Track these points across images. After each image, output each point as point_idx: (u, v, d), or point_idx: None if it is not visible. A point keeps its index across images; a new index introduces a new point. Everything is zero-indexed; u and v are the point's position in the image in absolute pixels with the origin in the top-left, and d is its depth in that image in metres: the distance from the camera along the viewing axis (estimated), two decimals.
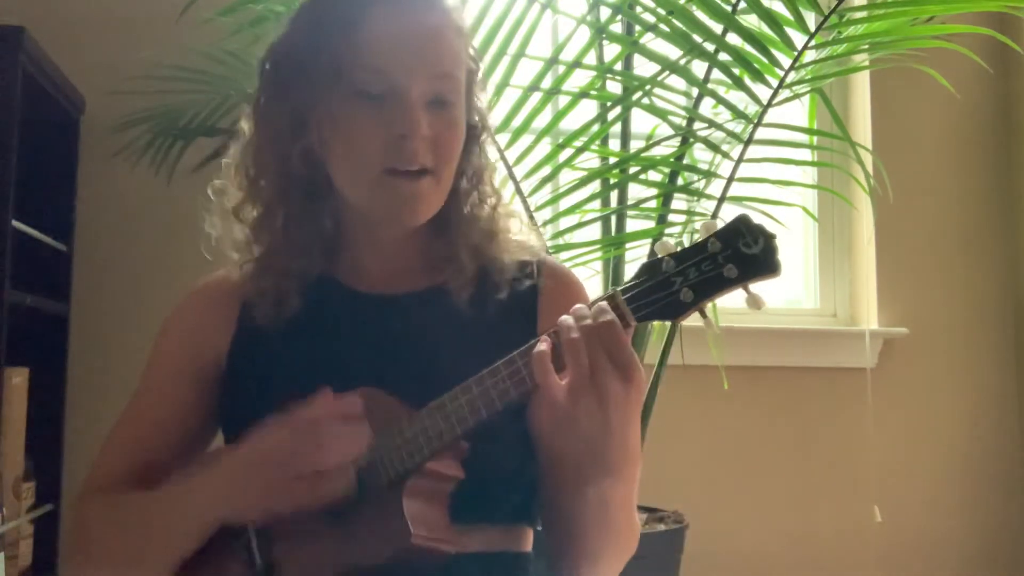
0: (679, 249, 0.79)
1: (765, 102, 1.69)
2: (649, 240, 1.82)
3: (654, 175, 1.88)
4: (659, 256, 0.80)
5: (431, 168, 0.94)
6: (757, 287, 0.78)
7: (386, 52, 0.92)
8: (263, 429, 0.86)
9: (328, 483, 0.83)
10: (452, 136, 0.97)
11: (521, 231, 1.07)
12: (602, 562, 0.91)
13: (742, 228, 0.77)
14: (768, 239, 0.77)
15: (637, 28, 1.80)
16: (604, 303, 0.80)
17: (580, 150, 1.81)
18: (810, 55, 1.68)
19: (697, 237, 0.79)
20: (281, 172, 0.98)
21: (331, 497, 0.83)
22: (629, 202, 1.85)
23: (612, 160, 1.85)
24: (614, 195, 1.85)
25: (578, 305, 0.81)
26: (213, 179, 1.05)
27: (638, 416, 0.80)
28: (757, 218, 0.79)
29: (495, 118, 1.76)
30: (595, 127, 1.81)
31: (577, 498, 0.85)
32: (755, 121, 1.71)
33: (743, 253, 0.77)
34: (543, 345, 0.80)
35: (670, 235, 1.83)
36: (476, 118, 1.03)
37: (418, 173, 0.94)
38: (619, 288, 0.81)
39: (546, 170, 1.81)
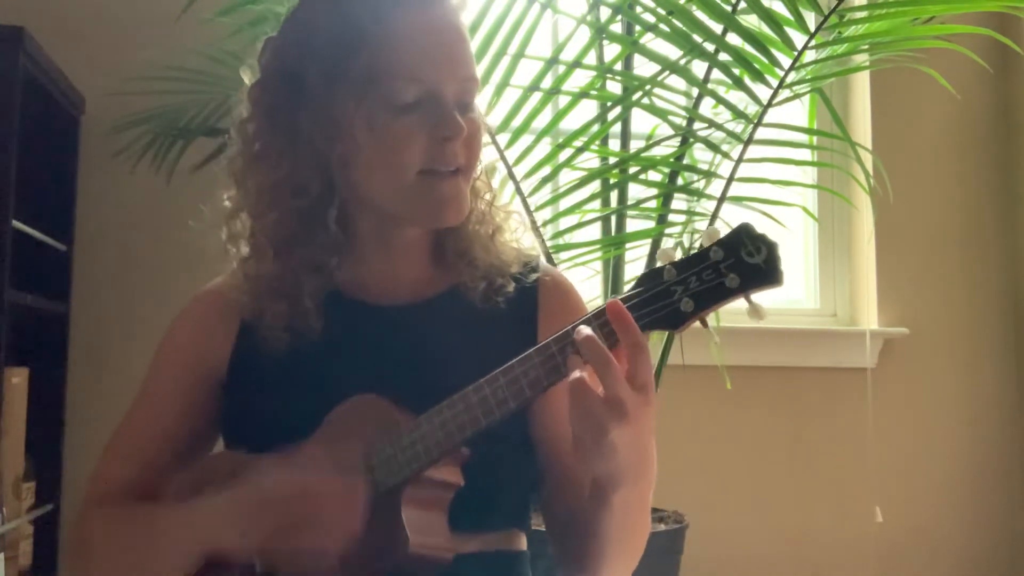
0: (680, 257, 0.78)
1: (765, 102, 1.69)
2: (649, 240, 1.82)
3: (654, 175, 1.88)
4: (660, 264, 0.78)
5: (463, 167, 0.95)
6: (759, 297, 0.76)
7: (422, 59, 0.93)
8: (266, 475, 0.86)
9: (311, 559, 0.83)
10: (479, 135, 0.98)
11: (517, 231, 1.07)
12: (620, 563, 0.92)
13: (744, 237, 0.75)
14: (771, 248, 0.75)
15: (637, 28, 1.80)
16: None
17: (580, 150, 1.81)
18: (810, 55, 1.68)
19: (699, 245, 0.78)
20: (296, 184, 0.96)
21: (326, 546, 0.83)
22: (629, 202, 1.85)
23: (612, 160, 1.85)
24: (614, 195, 1.85)
25: (586, 331, 0.78)
26: (219, 179, 1.04)
27: (653, 422, 0.80)
28: (757, 219, 0.78)
29: (495, 118, 1.77)
30: (595, 127, 1.81)
31: (601, 506, 0.85)
32: (755, 121, 1.71)
33: (745, 262, 0.75)
34: (579, 373, 0.77)
35: (670, 235, 1.83)
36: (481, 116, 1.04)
37: (454, 172, 0.94)
38: (619, 297, 0.79)
39: (546, 170, 1.81)
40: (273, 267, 0.97)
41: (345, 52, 0.93)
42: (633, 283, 0.80)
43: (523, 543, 1.01)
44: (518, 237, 1.06)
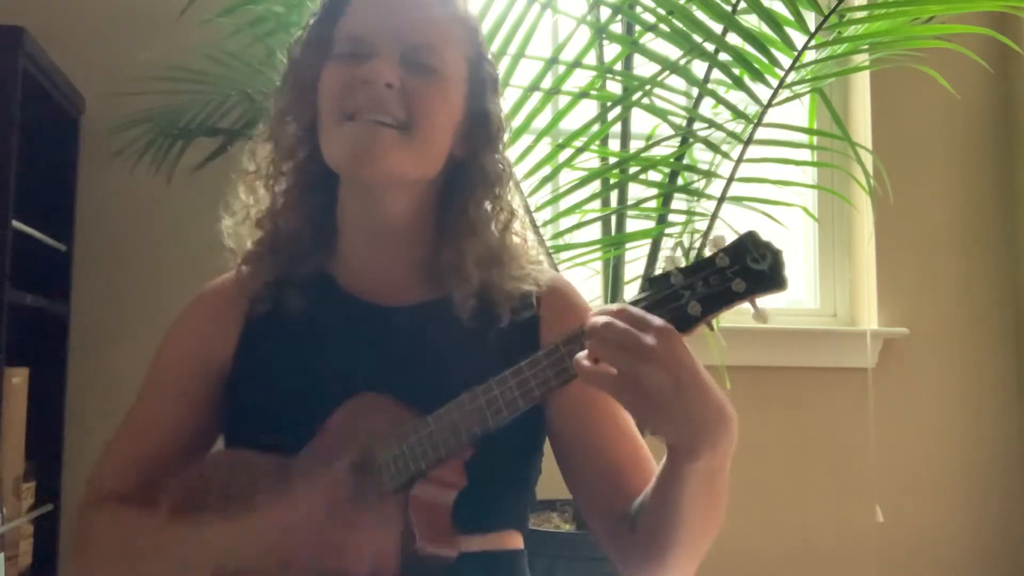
0: (687, 263, 0.79)
1: (765, 102, 1.68)
2: (649, 240, 1.82)
3: (654, 175, 1.88)
4: (666, 269, 0.80)
5: (402, 122, 0.94)
6: (763, 301, 0.78)
7: (364, 19, 0.98)
8: (284, 506, 0.87)
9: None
10: (431, 95, 0.96)
11: (531, 257, 1.04)
12: (709, 533, 0.89)
13: (749, 244, 0.77)
14: (775, 255, 0.77)
15: (637, 28, 1.81)
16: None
17: (580, 150, 1.81)
18: (810, 55, 1.68)
19: (705, 251, 0.80)
20: (280, 153, 1.02)
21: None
22: (629, 202, 1.85)
23: (612, 160, 1.85)
24: (614, 195, 1.85)
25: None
26: (216, 179, 1.06)
27: (701, 368, 0.77)
28: (757, 219, 0.79)
29: None
30: (595, 127, 1.81)
31: (679, 479, 0.82)
32: (755, 121, 1.71)
33: (751, 268, 0.77)
34: (584, 361, 0.77)
35: (670, 235, 1.83)
36: (493, 123, 1.02)
37: (379, 123, 0.93)
38: (628, 301, 0.80)
39: (546, 170, 1.81)
40: (260, 240, 1.02)
41: (311, 23, 1.02)
42: (641, 287, 0.82)
43: (520, 542, 1.01)
44: (527, 273, 1.02)
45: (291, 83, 1.03)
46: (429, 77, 0.96)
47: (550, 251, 1.78)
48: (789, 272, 0.77)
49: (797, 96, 1.76)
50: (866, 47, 1.75)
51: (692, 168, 1.88)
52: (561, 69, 1.83)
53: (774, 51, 1.65)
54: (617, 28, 1.84)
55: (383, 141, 0.93)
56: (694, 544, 0.88)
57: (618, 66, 1.83)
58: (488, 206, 1.02)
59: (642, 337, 0.74)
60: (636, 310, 0.76)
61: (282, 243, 1.01)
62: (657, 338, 0.74)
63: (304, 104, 1.00)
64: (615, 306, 0.77)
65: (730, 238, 0.79)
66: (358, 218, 1.02)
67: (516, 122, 1.78)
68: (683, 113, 1.81)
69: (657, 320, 0.76)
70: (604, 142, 1.84)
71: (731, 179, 1.74)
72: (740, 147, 1.73)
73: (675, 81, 1.85)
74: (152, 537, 0.93)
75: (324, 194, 1.02)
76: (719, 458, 0.82)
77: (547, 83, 1.80)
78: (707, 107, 1.85)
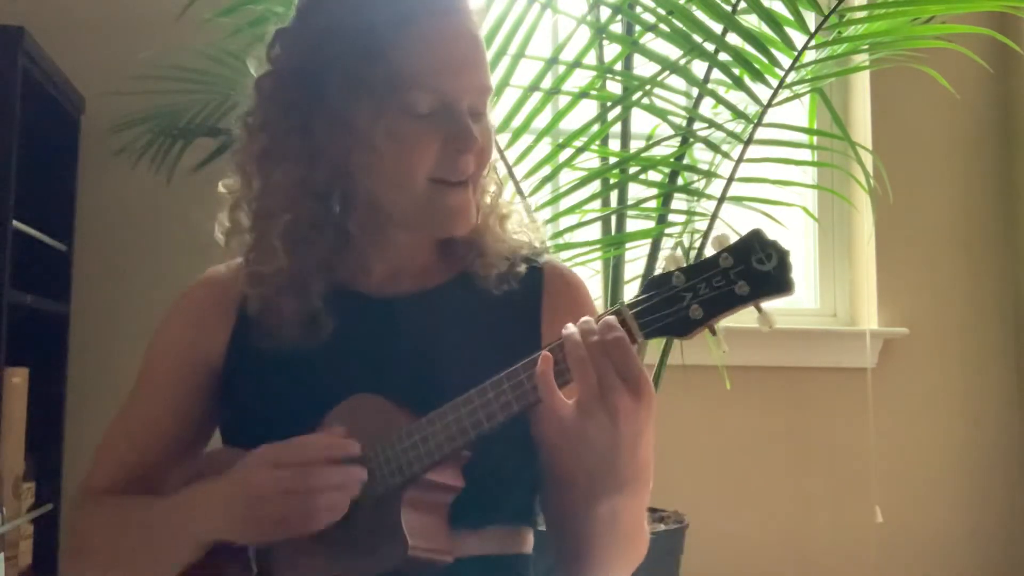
0: (689, 263, 0.76)
1: (765, 102, 1.68)
2: (649, 240, 1.82)
3: (654, 175, 1.88)
4: (668, 269, 0.76)
5: (472, 176, 0.95)
6: (769, 305, 0.74)
7: (441, 69, 0.91)
8: (259, 459, 0.85)
9: (317, 519, 0.82)
10: (491, 145, 0.97)
11: (524, 220, 1.06)
12: (611, 570, 0.90)
13: (755, 243, 0.73)
14: (782, 256, 0.73)
15: (637, 28, 1.80)
16: (612, 318, 0.76)
17: (580, 150, 1.81)
18: (810, 55, 1.68)
19: (709, 251, 0.76)
20: (312, 187, 0.95)
21: (319, 528, 0.82)
22: (629, 202, 1.85)
23: (612, 160, 1.85)
24: (614, 195, 1.85)
25: (585, 318, 0.78)
26: (219, 179, 1.03)
27: (650, 431, 0.77)
28: (757, 219, 0.77)
29: (495, 118, 1.77)
30: (595, 127, 1.81)
31: (588, 514, 0.84)
32: (755, 121, 1.71)
33: (756, 270, 0.73)
34: (544, 364, 0.77)
35: (670, 235, 1.83)
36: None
37: (464, 183, 0.94)
38: (627, 303, 0.77)
39: (546, 170, 1.81)
40: (283, 266, 0.96)
41: (366, 60, 0.90)
42: (641, 287, 0.78)
43: (527, 544, 1.00)
44: (525, 224, 1.06)
45: (334, 120, 0.93)
46: (484, 122, 0.95)
47: (550, 251, 1.78)
48: (795, 274, 0.73)
49: (797, 96, 1.76)
50: (866, 47, 1.75)
51: (692, 168, 1.88)
52: (561, 69, 1.83)
53: (774, 51, 1.65)
54: (617, 28, 1.84)
55: (470, 200, 0.95)
56: (601, 569, 0.89)
57: (618, 66, 1.83)
58: (484, 183, 1.04)
59: (618, 394, 0.73)
60: (634, 357, 0.74)
61: (303, 272, 0.97)
62: (628, 398, 0.74)
63: (336, 146, 0.94)
64: (619, 334, 0.75)
65: (733, 237, 0.75)
66: (380, 236, 1.00)
67: (516, 122, 1.78)
68: (683, 113, 1.81)
69: (645, 384, 0.75)
70: (604, 142, 1.84)
71: (731, 179, 1.74)
72: (740, 147, 1.73)
73: (675, 81, 1.85)
74: (138, 516, 0.93)
75: (331, 210, 0.99)
76: (632, 505, 0.83)
77: (547, 83, 1.80)
78: (707, 107, 1.85)
